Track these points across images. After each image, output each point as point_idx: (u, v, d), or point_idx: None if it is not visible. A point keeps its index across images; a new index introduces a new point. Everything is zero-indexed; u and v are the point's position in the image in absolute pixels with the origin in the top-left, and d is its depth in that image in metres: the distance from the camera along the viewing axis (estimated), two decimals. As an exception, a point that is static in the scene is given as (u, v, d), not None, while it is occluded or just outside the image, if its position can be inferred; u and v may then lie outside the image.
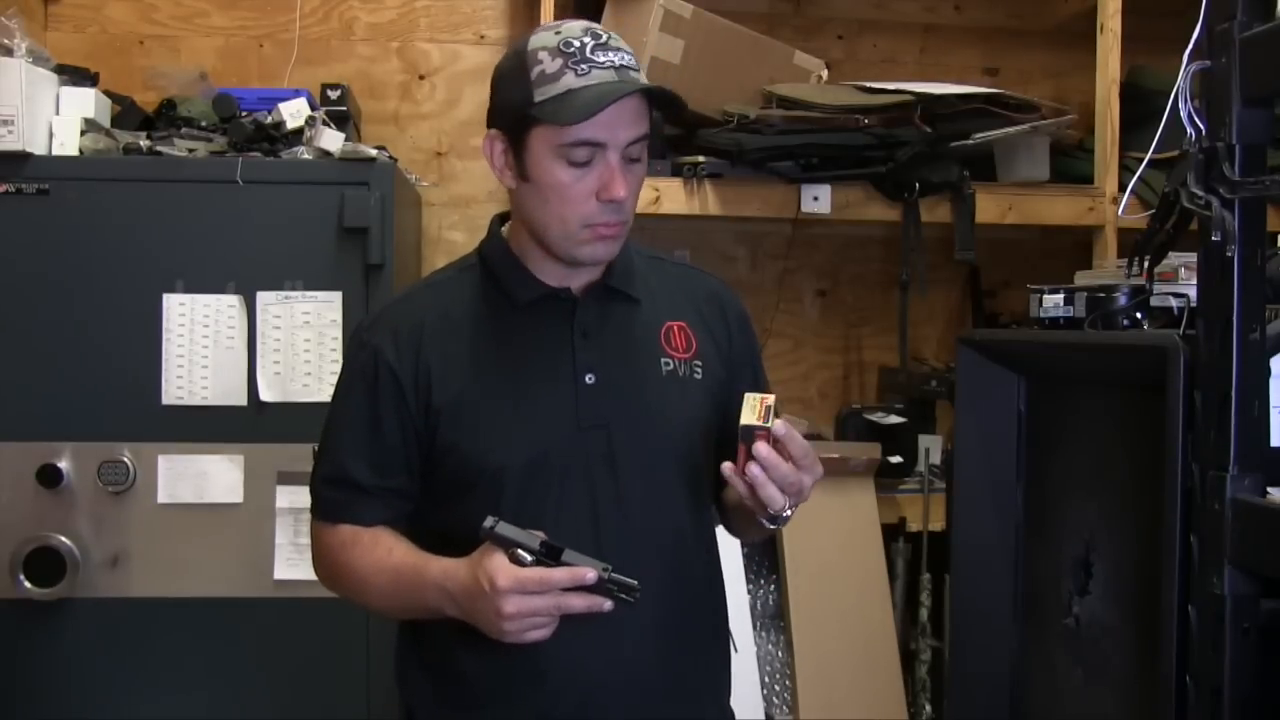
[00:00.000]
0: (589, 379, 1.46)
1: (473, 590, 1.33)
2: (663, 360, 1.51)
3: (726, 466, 1.35)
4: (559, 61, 1.37)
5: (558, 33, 1.40)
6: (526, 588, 1.29)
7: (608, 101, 1.35)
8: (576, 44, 1.38)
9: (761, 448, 1.32)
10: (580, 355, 1.46)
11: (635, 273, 1.54)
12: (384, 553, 1.45)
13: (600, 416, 1.45)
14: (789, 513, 1.40)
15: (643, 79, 1.41)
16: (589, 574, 1.30)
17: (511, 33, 3.13)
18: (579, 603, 1.31)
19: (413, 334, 1.47)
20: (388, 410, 1.46)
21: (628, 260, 1.53)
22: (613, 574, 1.31)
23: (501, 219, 1.56)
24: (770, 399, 1.34)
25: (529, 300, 1.49)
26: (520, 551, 1.31)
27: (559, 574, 1.30)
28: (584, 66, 1.37)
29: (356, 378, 1.49)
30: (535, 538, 1.32)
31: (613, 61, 1.38)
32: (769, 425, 1.31)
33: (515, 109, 1.40)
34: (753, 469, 1.33)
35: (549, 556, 1.31)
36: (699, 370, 1.52)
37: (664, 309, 1.54)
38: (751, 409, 1.33)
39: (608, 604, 1.32)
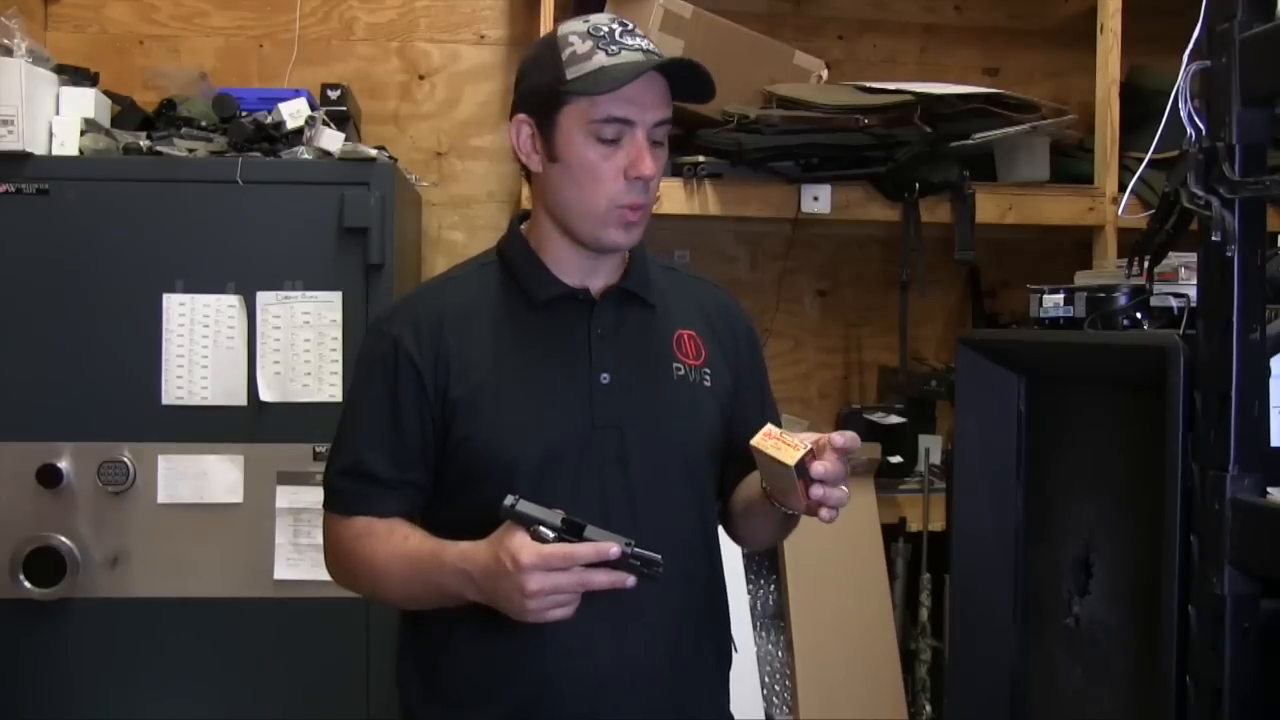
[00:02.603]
0: (604, 379, 1.47)
1: (494, 570, 1.32)
2: (674, 365, 1.52)
3: (800, 507, 1.35)
4: (590, 43, 1.41)
5: (586, 20, 1.45)
6: (550, 564, 1.29)
7: (641, 71, 1.39)
8: (605, 29, 1.43)
9: (818, 467, 1.31)
10: (596, 355, 1.47)
11: (651, 279, 1.55)
12: (400, 540, 1.45)
13: (614, 416, 1.46)
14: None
15: None
16: (613, 548, 1.29)
17: (511, 33, 3.14)
18: (603, 579, 1.30)
19: (432, 325, 1.47)
20: (407, 401, 1.46)
21: (644, 266, 1.55)
22: (635, 549, 1.30)
23: (521, 218, 1.57)
24: (779, 431, 1.34)
25: (547, 299, 1.49)
26: (542, 529, 1.30)
27: (583, 549, 1.29)
28: (614, 47, 1.41)
29: (375, 368, 1.48)
30: (556, 514, 1.31)
31: (640, 45, 1.43)
32: (806, 450, 1.31)
33: (546, 89, 1.44)
34: (816, 490, 1.33)
35: (571, 533, 1.30)
36: (708, 378, 1.53)
37: (676, 316, 1.56)
38: (787, 448, 1.32)
39: (631, 580, 1.31)
